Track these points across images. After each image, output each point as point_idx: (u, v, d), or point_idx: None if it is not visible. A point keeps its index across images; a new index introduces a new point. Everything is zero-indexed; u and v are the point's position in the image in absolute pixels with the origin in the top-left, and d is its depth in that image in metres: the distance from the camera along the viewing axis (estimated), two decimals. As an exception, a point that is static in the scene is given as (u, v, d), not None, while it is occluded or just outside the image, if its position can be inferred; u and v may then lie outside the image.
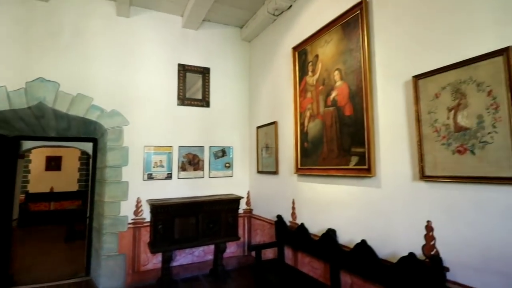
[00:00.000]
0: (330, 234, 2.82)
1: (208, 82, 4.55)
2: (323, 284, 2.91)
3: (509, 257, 1.65)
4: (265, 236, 4.16)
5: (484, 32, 1.82)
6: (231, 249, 4.48)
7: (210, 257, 4.31)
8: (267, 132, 4.23)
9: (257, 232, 4.42)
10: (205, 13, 4.12)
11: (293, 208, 3.56)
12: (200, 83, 4.55)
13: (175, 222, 3.76)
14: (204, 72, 4.53)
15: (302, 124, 3.42)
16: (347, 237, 2.73)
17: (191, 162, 4.34)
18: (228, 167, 4.60)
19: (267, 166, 4.19)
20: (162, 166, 4.13)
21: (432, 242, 2.02)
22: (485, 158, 1.76)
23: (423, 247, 2.07)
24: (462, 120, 1.89)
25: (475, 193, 1.81)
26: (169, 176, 4.15)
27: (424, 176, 2.07)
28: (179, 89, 4.32)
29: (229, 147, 4.62)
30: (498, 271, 1.69)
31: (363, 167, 2.56)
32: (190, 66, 4.42)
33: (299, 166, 3.43)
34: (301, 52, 3.50)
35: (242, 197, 4.30)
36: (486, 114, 1.77)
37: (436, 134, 2.03)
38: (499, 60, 1.72)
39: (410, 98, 2.21)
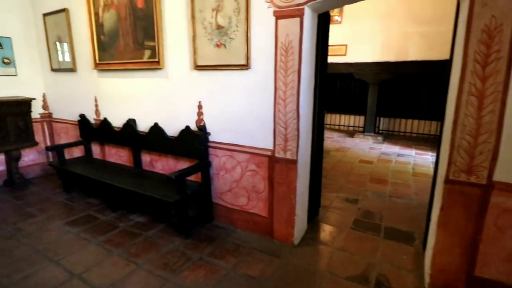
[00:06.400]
0: (130, 123, 3.14)
1: None
2: (128, 167, 3.33)
3: (237, 118, 2.51)
4: (70, 138, 4.00)
5: None
6: (30, 157, 4.08)
7: (1, 167, 3.80)
8: (57, 22, 3.63)
9: (61, 136, 4.15)
10: None
11: (96, 105, 3.55)
12: None
13: None
14: None
15: (96, 14, 3.16)
16: (145, 124, 3.12)
17: None
18: (8, 63, 3.76)
19: (63, 63, 3.75)
20: None
21: (201, 117, 2.71)
22: (231, 50, 2.41)
23: (196, 121, 2.75)
24: (220, 20, 2.41)
25: (225, 77, 2.50)
26: None
27: (197, 66, 2.60)
28: None
29: (6, 37, 3.69)
30: (233, 129, 2.57)
31: (155, 60, 2.84)
32: None
33: (97, 61, 3.30)
34: None
35: (34, 99, 3.76)
36: (233, 16, 2.35)
37: (204, 31, 2.50)
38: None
39: (188, -4, 2.52)
